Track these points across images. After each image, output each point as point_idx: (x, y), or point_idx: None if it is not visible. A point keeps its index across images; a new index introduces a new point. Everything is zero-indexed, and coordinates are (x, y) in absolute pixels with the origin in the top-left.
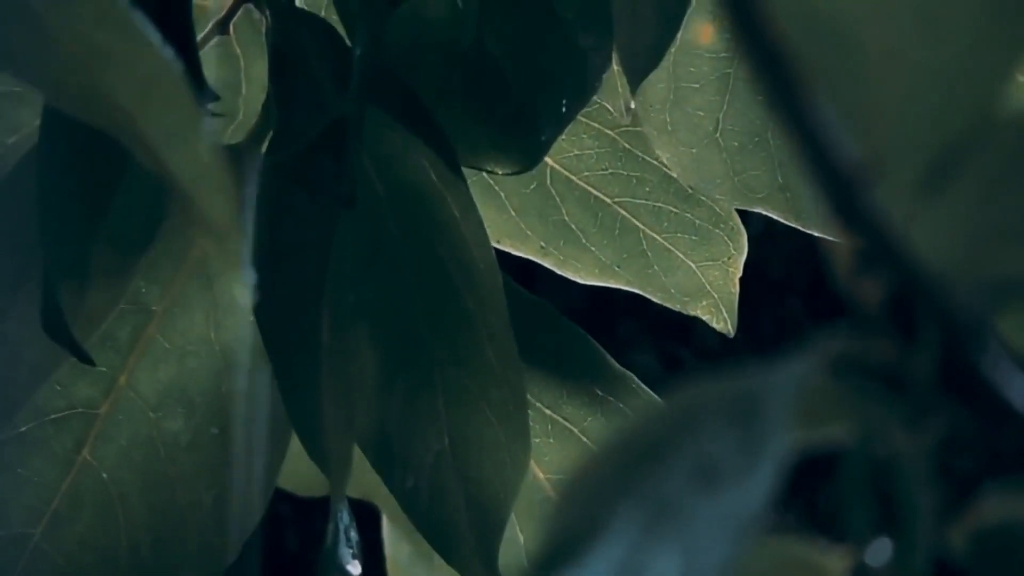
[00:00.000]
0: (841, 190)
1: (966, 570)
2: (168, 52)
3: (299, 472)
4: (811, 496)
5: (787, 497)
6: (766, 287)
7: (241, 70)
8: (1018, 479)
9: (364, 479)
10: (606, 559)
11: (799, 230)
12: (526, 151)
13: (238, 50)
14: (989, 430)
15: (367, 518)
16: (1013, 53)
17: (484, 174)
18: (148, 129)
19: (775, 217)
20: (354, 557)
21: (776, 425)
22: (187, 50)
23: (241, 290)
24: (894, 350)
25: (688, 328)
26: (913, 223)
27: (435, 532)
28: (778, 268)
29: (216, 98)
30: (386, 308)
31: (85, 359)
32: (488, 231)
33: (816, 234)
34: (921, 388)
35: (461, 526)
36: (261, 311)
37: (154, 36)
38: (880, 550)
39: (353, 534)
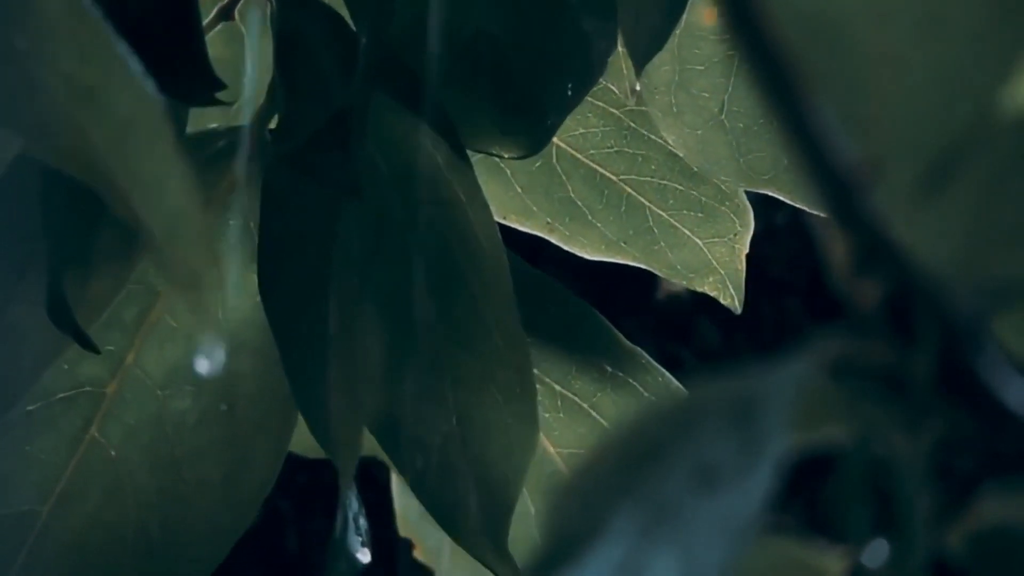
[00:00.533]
0: (840, 192)
1: (965, 571)
2: (151, 87)
3: (309, 435)
4: (810, 497)
5: (786, 498)
6: (766, 287)
7: (246, 49)
8: (1016, 480)
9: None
10: (605, 560)
11: (799, 230)
12: (532, 135)
13: (243, 30)
14: (987, 431)
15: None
16: (1013, 55)
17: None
18: (125, 175)
19: (781, 198)
20: (363, 545)
21: (775, 426)
22: (193, 39)
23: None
24: (893, 351)
25: (688, 328)
26: (912, 225)
27: (444, 513)
28: (778, 268)
29: (223, 87)
30: (392, 292)
31: (89, 347)
32: (494, 208)
33: (818, 223)
34: (919, 389)
35: (470, 506)
36: (268, 298)
37: (137, 71)
38: (878, 551)
39: (362, 521)
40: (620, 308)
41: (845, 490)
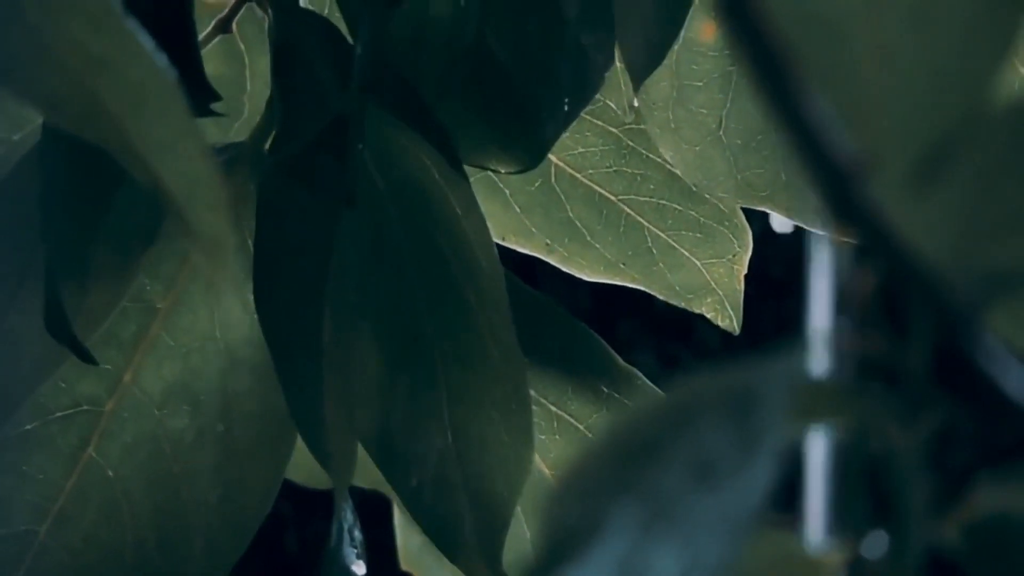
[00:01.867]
0: (836, 184)
1: (961, 561)
2: (162, 60)
3: (306, 465)
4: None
5: (784, 493)
6: (766, 287)
7: (246, 66)
8: (1012, 470)
9: (374, 469)
10: (605, 557)
11: (798, 231)
12: (528, 149)
13: (242, 46)
14: (983, 422)
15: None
16: (1004, 46)
17: (489, 171)
18: (141, 140)
19: (778, 215)
20: (358, 557)
21: (772, 420)
22: (188, 50)
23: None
24: (888, 343)
25: (689, 328)
26: (907, 215)
27: (439, 530)
28: (778, 268)
29: (218, 98)
30: (388, 306)
31: (87, 358)
32: (493, 228)
33: (817, 233)
34: (915, 381)
35: (465, 524)
36: (263, 310)
37: (149, 44)
38: (876, 543)
39: (357, 533)
40: (621, 310)
41: (842, 483)
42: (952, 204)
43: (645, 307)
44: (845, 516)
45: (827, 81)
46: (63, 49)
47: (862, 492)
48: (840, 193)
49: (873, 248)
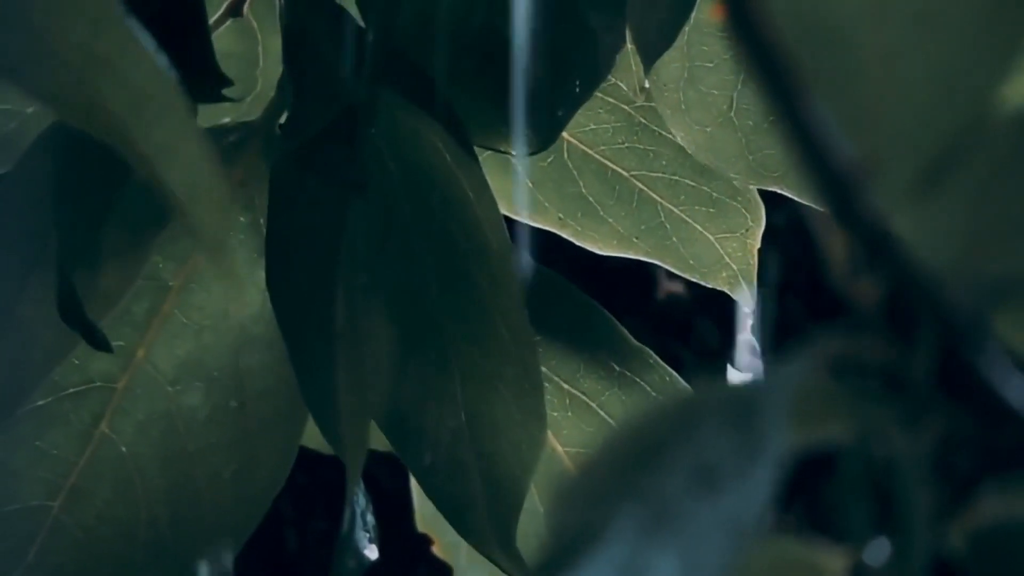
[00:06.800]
0: (839, 189)
1: (965, 569)
2: (163, 61)
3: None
4: (810, 497)
5: (787, 497)
6: (765, 287)
7: (258, 43)
8: (1016, 477)
9: None
10: (607, 561)
11: (799, 230)
12: (539, 132)
13: (255, 24)
14: (987, 428)
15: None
16: (1009, 52)
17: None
18: (143, 140)
19: (790, 195)
20: (371, 541)
21: (775, 426)
22: (199, 36)
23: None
24: (892, 349)
25: (688, 328)
26: (910, 222)
27: (452, 510)
28: (778, 268)
29: (229, 83)
30: (399, 288)
31: (101, 345)
32: (505, 203)
33: (817, 223)
34: (919, 387)
35: (478, 504)
36: (276, 294)
37: (150, 45)
38: (879, 550)
39: (369, 518)
40: (620, 308)
41: (846, 489)
42: (956, 211)
43: (645, 306)
44: (849, 522)
45: (831, 87)
46: (66, 49)
47: (866, 498)
48: (843, 199)
49: (877, 254)
